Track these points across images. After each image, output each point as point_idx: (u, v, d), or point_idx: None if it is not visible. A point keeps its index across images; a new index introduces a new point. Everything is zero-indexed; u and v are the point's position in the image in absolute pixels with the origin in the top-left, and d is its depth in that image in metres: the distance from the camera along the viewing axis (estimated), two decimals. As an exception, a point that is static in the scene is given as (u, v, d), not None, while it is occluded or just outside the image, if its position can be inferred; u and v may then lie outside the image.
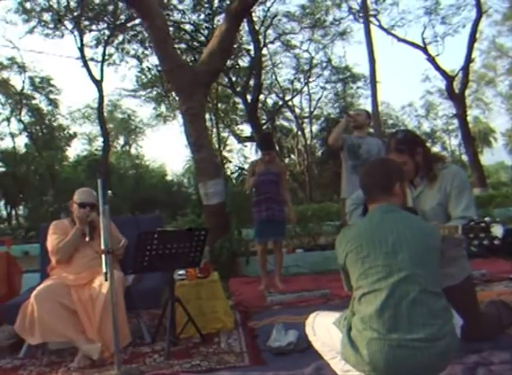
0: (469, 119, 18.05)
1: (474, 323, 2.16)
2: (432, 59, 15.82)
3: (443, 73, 15.54)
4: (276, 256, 4.58)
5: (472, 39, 14.47)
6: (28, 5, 14.34)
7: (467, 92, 16.78)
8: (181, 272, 3.35)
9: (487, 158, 31.50)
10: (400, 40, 16.39)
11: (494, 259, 4.69)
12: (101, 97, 17.19)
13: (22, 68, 19.92)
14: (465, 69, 14.75)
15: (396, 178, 1.91)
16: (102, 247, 2.44)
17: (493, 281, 3.92)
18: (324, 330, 1.90)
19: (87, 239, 3.01)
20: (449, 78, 15.30)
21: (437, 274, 1.75)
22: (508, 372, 2.11)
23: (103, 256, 2.40)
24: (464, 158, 24.63)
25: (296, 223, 4.87)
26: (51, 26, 15.11)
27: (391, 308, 1.64)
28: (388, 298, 1.65)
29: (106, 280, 2.38)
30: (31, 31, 15.24)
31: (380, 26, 16.41)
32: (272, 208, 4.37)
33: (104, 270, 2.35)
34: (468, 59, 14.65)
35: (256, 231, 4.52)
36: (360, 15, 14.15)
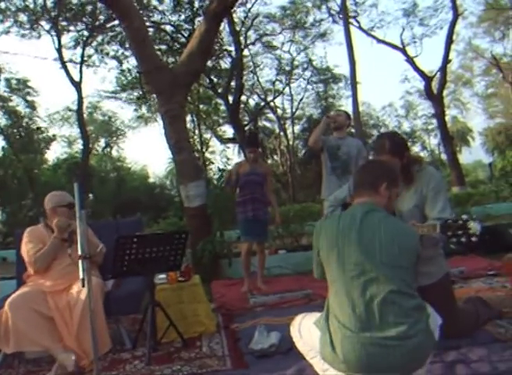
0: (447, 118, 18.40)
1: (451, 321, 2.19)
2: (410, 60, 16.06)
3: (422, 73, 15.79)
4: (259, 258, 4.58)
5: (449, 40, 14.73)
6: (2, 5, 14.00)
7: (445, 92, 17.06)
8: (162, 276, 3.32)
9: (465, 157, 32.11)
10: (379, 41, 16.59)
11: (472, 256, 4.78)
12: (81, 99, 16.93)
13: (-3, 69, 19.45)
14: (443, 69, 15.01)
15: (385, 178, 1.91)
16: (79, 252, 2.39)
17: (471, 278, 3.98)
18: (306, 331, 1.92)
19: (69, 251, 2.84)
20: (427, 79, 15.54)
21: (410, 275, 1.75)
22: (486, 367, 2.14)
23: (79, 262, 2.35)
24: (443, 157, 25.05)
25: (276, 225, 4.87)
26: (28, 26, 14.79)
27: (362, 307, 1.66)
28: (359, 297, 1.67)
29: (83, 286, 2.33)
30: (6, 32, 14.89)
31: (360, 28, 16.59)
32: (257, 209, 4.37)
33: (81, 276, 2.30)
34: (445, 60, 14.92)
35: (242, 230, 4.50)
36: (340, 16, 14.26)
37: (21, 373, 2.73)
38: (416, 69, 15.96)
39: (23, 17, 14.51)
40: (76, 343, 2.67)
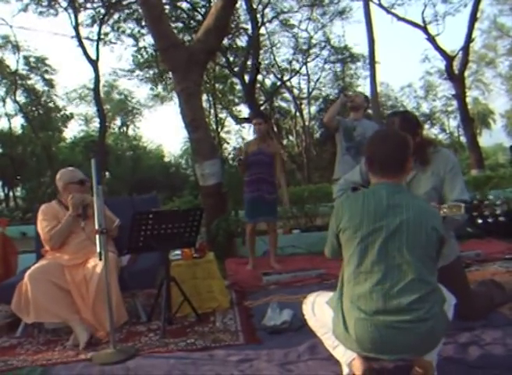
0: (468, 100, 17.88)
1: (465, 303, 2.18)
2: (431, 39, 15.55)
3: (443, 53, 15.30)
4: (271, 237, 4.59)
5: (473, 18, 14.18)
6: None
7: (466, 73, 16.57)
8: (177, 252, 3.36)
9: (485, 139, 31.39)
10: (399, 19, 16.05)
11: (489, 240, 4.72)
12: (97, 77, 16.96)
13: (16, 47, 19.56)
14: (465, 49, 14.51)
15: (409, 152, 1.81)
16: (96, 227, 2.44)
17: (488, 261, 3.93)
18: (319, 309, 1.95)
19: (82, 224, 2.94)
20: (448, 58, 15.07)
21: (432, 258, 1.73)
22: (500, 349, 2.13)
23: (97, 236, 2.40)
24: (463, 139, 24.54)
25: (290, 205, 4.85)
26: (45, 3, 14.79)
27: (380, 293, 1.65)
28: (378, 282, 1.66)
29: (100, 259, 2.39)
30: (25, 9, 14.94)
31: (380, 5, 16.05)
32: (263, 189, 4.37)
33: (98, 250, 2.36)
34: (468, 39, 14.40)
35: (246, 211, 4.53)
36: (360, -7, 13.83)
37: (41, 342, 2.82)
38: (437, 48, 15.47)
39: (40, -6, 14.49)
40: (92, 315, 2.75)
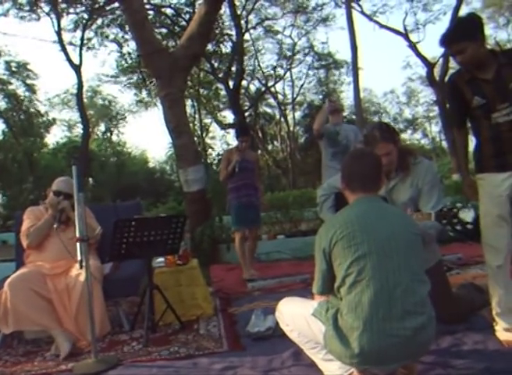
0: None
1: (446, 306, 2.21)
2: (413, 46, 15.87)
3: (424, 59, 15.62)
4: (250, 244, 4.55)
5: (452, 26, 14.52)
6: (1, -14, 13.80)
7: (447, 79, 16.89)
8: (160, 259, 3.33)
9: (466, 144, 31.95)
10: (381, 26, 16.35)
11: (471, 244, 4.78)
12: (80, 82, 16.76)
13: (-4, 52, 19.25)
14: (445, 56, 14.80)
15: (382, 169, 1.94)
16: (77, 235, 2.41)
17: (469, 265, 3.99)
18: (302, 321, 1.88)
19: (55, 226, 2.98)
20: (429, 65, 15.39)
21: (422, 260, 1.79)
22: (481, 352, 2.16)
23: (77, 244, 2.37)
24: (444, 144, 24.97)
25: (274, 210, 4.90)
26: (27, 8, 14.60)
27: (385, 297, 1.63)
28: (382, 286, 1.64)
29: (81, 267, 2.36)
30: (5, 14, 14.71)
31: (362, 13, 16.32)
32: (251, 195, 4.39)
33: (78, 258, 2.33)
34: (449, 46, 14.73)
35: (234, 218, 4.46)
36: (342, 0, 14.04)
37: (20, 353, 2.76)
38: (418, 55, 15.79)
39: (21, -1, 14.29)
40: (74, 325, 2.70)
